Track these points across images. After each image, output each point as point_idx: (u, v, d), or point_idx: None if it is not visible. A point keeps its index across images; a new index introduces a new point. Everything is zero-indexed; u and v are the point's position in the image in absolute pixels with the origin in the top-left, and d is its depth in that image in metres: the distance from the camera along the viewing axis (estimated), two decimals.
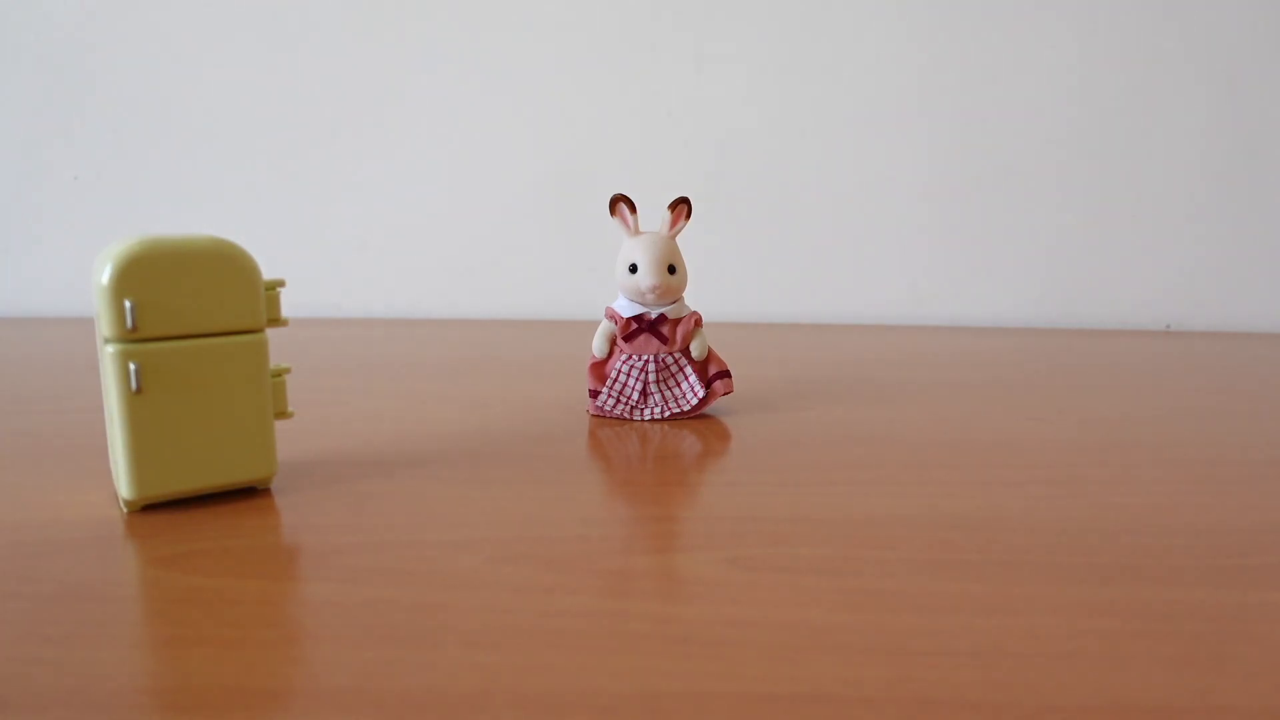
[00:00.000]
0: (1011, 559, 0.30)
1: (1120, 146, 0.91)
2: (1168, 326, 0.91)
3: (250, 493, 0.35)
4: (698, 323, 0.49)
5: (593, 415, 0.50)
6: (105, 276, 0.31)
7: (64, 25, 0.92)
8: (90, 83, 0.92)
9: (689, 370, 0.49)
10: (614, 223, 0.48)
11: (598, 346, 0.49)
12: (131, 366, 0.32)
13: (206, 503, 0.34)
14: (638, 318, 0.48)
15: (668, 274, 0.47)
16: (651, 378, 0.49)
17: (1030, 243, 0.93)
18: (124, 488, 0.33)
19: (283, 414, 0.36)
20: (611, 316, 0.49)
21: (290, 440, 0.40)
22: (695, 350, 0.49)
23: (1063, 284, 0.93)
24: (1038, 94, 0.91)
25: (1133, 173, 0.91)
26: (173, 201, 0.95)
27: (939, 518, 0.33)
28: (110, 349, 0.32)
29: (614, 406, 0.49)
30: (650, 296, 0.47)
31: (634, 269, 0.47)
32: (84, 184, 0.94)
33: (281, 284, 0.36)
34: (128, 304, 0.31)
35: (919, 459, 0.42)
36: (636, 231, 0.48)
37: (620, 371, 0.49)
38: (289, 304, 0.85)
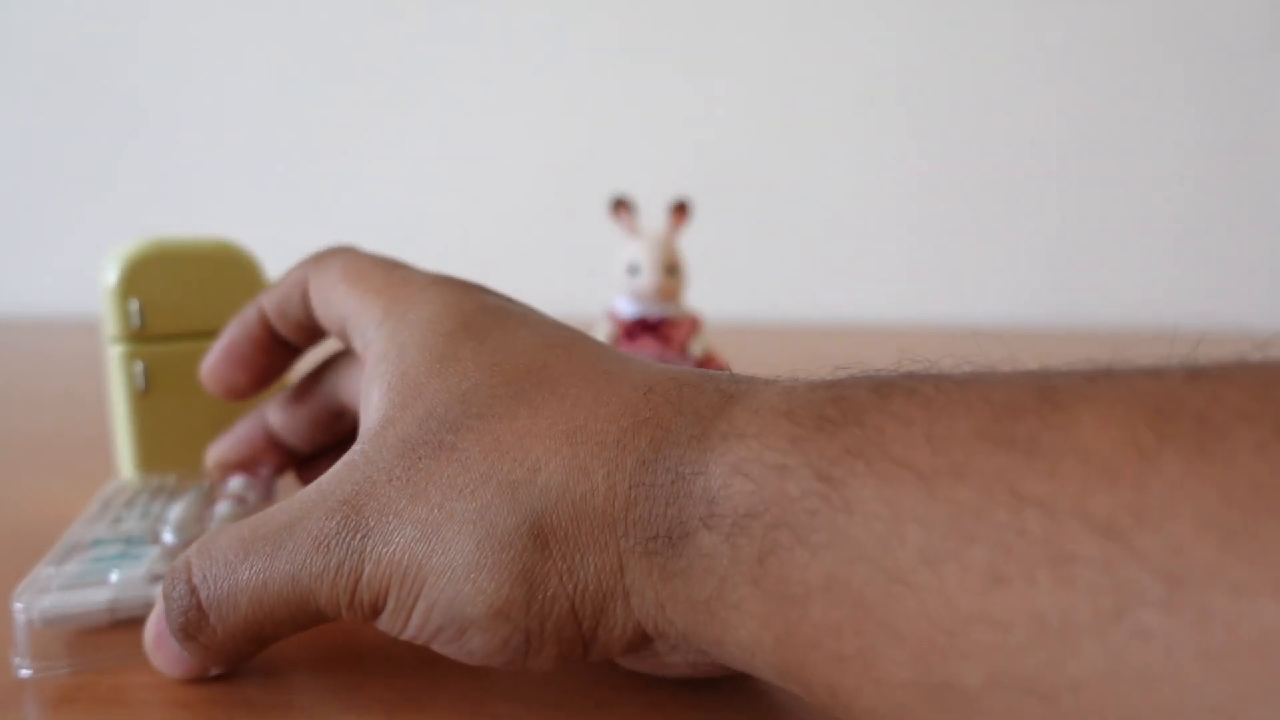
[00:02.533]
0: None
1: (1119, 144, 0.91)
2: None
3: None
4: (698, 324, 0.49)
5: None
6: (111, 277, 0.31)
7: (68, 26, 0.92)
8: (95, 85, 0.93)
9: None
10: (614, 224, 0.48)
11: None
12: (137, 367, 0.32)
13: None
14: (638, 319, 0.48)
15: (668, 275, 0.47)
16: None
17: (1028, 242, 0.93)
18: None
19: None
20: (612, 318, 0.49)
21: None
22: (696, 352, 0.49)
23: (1060, 283, 0.94)
24: (1034, 92, 0.91)
25: (1130, 171, 0.91)
26: (176, 204, 0.95)
27: None
28: (116, 349, 0.32)
29: None
30: (650, 298, 0.47)
31: (634, 270, 0.47)
32: (88, 185, 0.95)
33: None
34: (134, 304, 0.32)
35: None
36: (637, 233, 0.48)
37: None
38: None
